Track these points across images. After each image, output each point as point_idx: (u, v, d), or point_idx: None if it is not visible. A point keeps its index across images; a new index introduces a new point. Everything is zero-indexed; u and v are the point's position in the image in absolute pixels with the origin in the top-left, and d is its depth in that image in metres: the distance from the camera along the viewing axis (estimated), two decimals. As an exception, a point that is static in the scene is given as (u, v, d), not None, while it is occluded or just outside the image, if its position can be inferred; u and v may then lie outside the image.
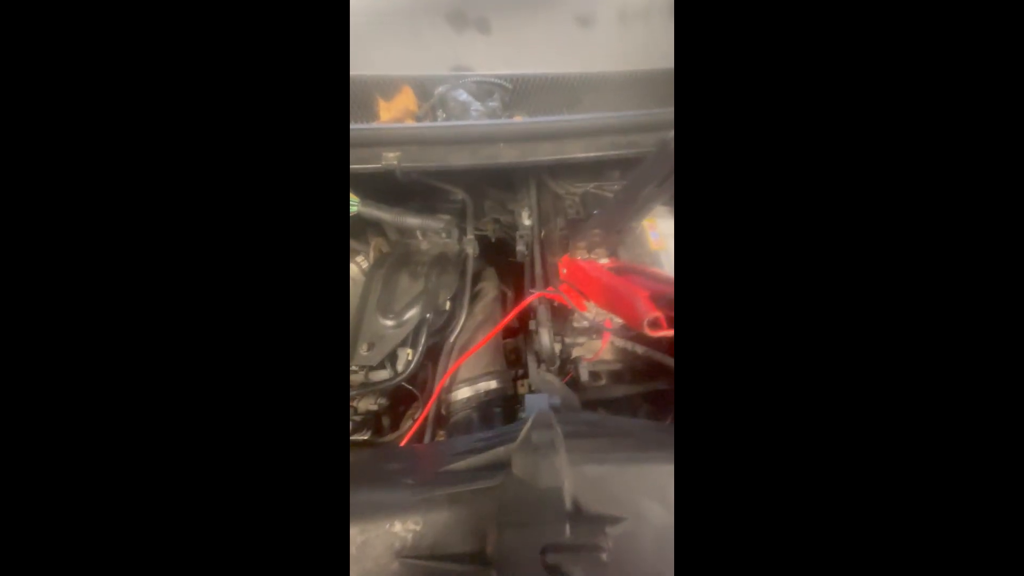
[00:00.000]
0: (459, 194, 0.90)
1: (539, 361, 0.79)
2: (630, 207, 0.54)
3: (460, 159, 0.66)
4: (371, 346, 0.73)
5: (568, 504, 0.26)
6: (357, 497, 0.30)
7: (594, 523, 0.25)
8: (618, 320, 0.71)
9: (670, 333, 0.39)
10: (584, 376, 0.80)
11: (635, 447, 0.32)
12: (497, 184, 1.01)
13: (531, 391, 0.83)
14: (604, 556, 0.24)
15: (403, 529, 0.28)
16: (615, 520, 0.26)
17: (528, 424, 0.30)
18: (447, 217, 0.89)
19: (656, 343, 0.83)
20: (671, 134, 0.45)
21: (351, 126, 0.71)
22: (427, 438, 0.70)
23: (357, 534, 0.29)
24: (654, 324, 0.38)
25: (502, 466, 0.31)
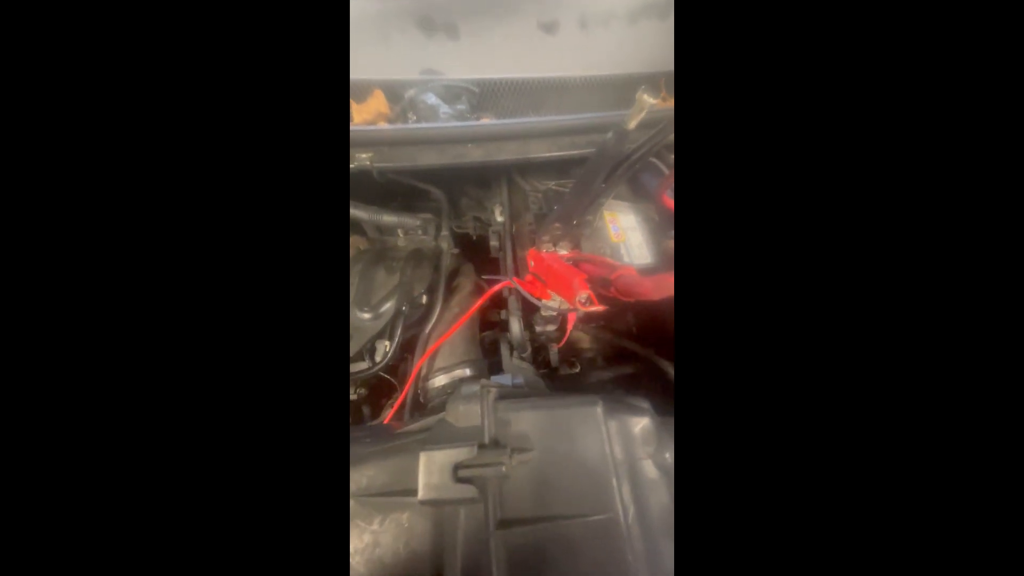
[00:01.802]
0: (436, 192, 0.95)
1: (511, 349, 0.84)
2: (582, 202, 0.59)
3: (429, 159, 0.71)
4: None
5: (486, 438, 0.31)
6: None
7: (502, 450, 0.31)
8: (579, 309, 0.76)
9: (599, 308, 0.45)
10: (555, 361, 0.85)
11: (549, 403, 0.37)
12: (474, 183, 1.06)
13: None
14: (504, 469, 0.30)
15: (360, 475, 0.33)
16: (522, 449, 0.31)
17: (470, 386, 0.35)
18: (425, 215, 0.94)
19: (625, 333, 0.89)
20: (610, 135, 0.50)
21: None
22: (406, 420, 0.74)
23: None
24: (585, 300, 0.43)
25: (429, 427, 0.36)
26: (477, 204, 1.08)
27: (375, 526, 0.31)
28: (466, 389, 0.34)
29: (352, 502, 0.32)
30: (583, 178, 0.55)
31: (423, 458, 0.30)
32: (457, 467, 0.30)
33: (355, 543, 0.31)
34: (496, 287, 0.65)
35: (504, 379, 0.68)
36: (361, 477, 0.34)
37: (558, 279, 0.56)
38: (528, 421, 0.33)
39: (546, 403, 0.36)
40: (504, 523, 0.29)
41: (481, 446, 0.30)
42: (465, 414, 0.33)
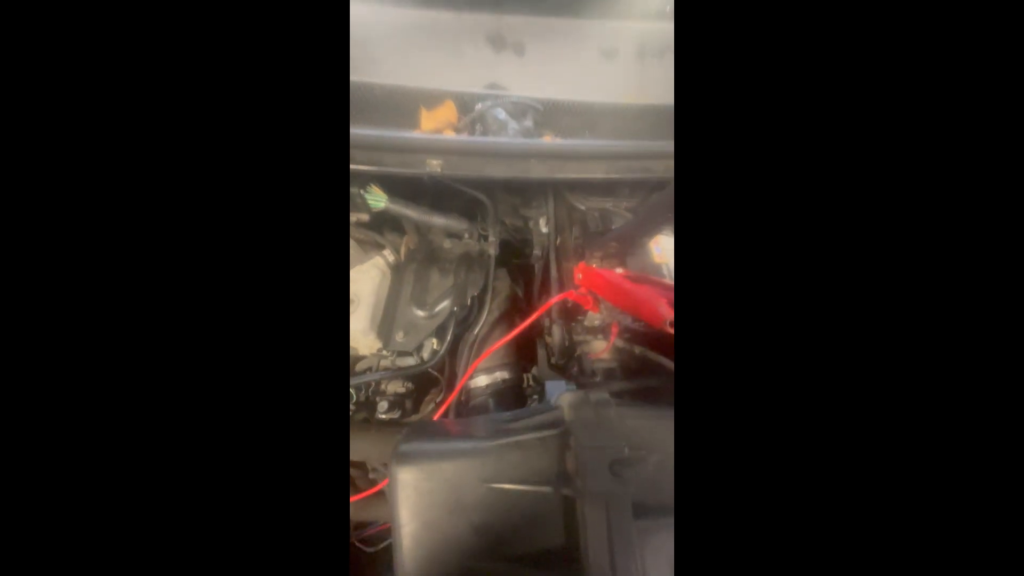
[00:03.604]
0: (481, 197, 0.98)
1: (550, 355, 0.88)
2: (651, 225, 0.64)
3: (496, 171, 0.74)
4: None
5: (624, 439, 0.36)
6: (445, 445, 0.39)
7: (648, 452, 0.35)
8: (624, 321, 0.81)
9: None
10: (588, 370, 0.90)
11: (660, 410, 0.42)
12: (510, 190, 1.10)
13: (537, 381, 0.92)
14: (652, 467, 0.34)
15: (484, 466, 0.37)
16: (653, 453, 0.36)
17: (580, 393, 0.39)
18: (459, 218, 0.97)
19: (654, 344, 0.94)
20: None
21: (395, 133, 0.78)
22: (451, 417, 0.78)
23: (450, 468, 0.37)
24: (674, 324, 0.47)
25: (550, 426, 0.40)
26: (510, 211, 1.12)
27: (508, 512, 0.35)
28: (594, 396, 0.39)
29: (484, 488, 0.36)
30: (659, 202, 0.60)
31: (589, 454, 0.35)
32: (613, 464, 0.34)
33: (488, 522, 0.35)
34: (557, 297, 0.69)
35: (559, 385, 0.73)
36: (484, 466, 0.38)
37: (631, 298, 0.61)
38: (647, 426, 0.38)
39: (656, 412, 0.41)
40: (638, 515, 0.33)
41: (629, 447, 0.35)
42: (593, 416, 0.37)
